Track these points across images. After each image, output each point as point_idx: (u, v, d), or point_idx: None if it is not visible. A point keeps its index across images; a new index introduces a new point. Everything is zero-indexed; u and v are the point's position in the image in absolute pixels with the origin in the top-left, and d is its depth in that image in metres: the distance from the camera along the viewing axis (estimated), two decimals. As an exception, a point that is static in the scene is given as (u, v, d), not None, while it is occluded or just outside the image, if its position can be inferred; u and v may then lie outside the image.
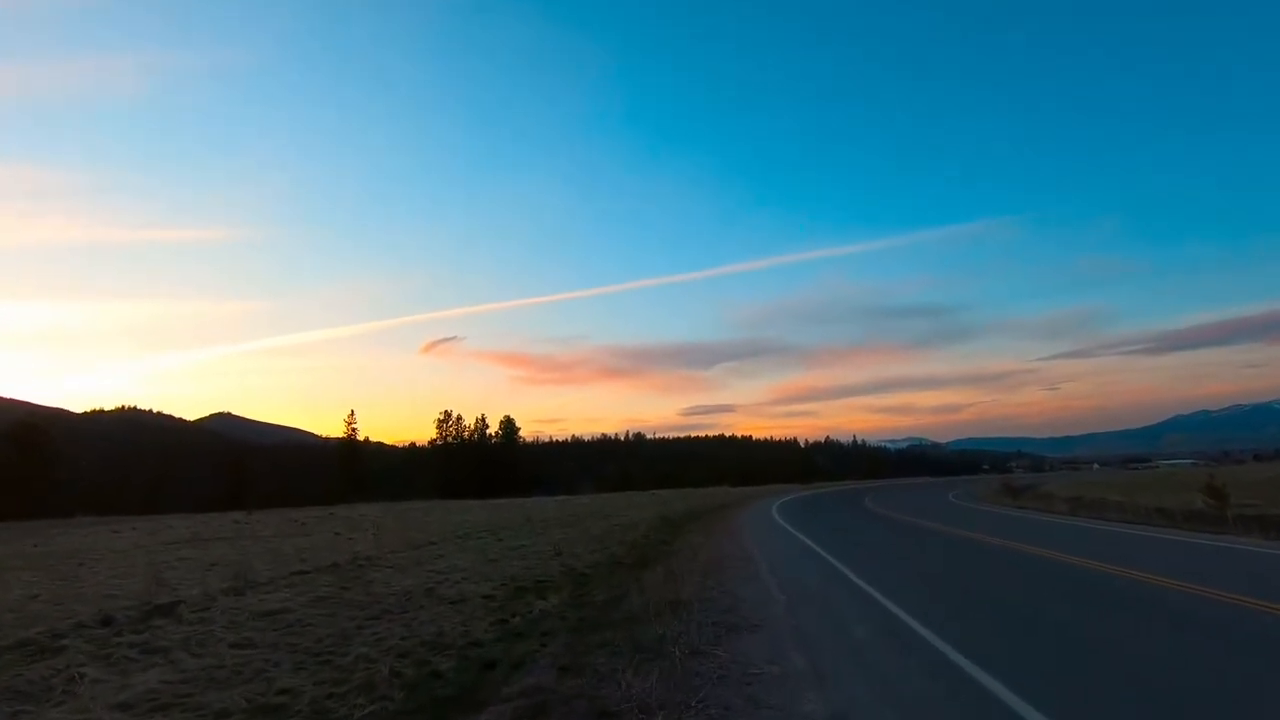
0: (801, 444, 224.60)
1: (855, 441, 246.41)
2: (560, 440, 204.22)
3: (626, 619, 6.92)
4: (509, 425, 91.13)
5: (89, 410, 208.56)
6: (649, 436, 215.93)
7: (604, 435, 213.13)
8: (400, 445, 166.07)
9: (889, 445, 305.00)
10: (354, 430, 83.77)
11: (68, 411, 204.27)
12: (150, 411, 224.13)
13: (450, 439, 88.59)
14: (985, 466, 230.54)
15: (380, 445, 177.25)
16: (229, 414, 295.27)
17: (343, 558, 15.46)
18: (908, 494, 42.72)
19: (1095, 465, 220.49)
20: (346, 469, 79.92)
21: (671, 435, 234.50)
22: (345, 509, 45.59)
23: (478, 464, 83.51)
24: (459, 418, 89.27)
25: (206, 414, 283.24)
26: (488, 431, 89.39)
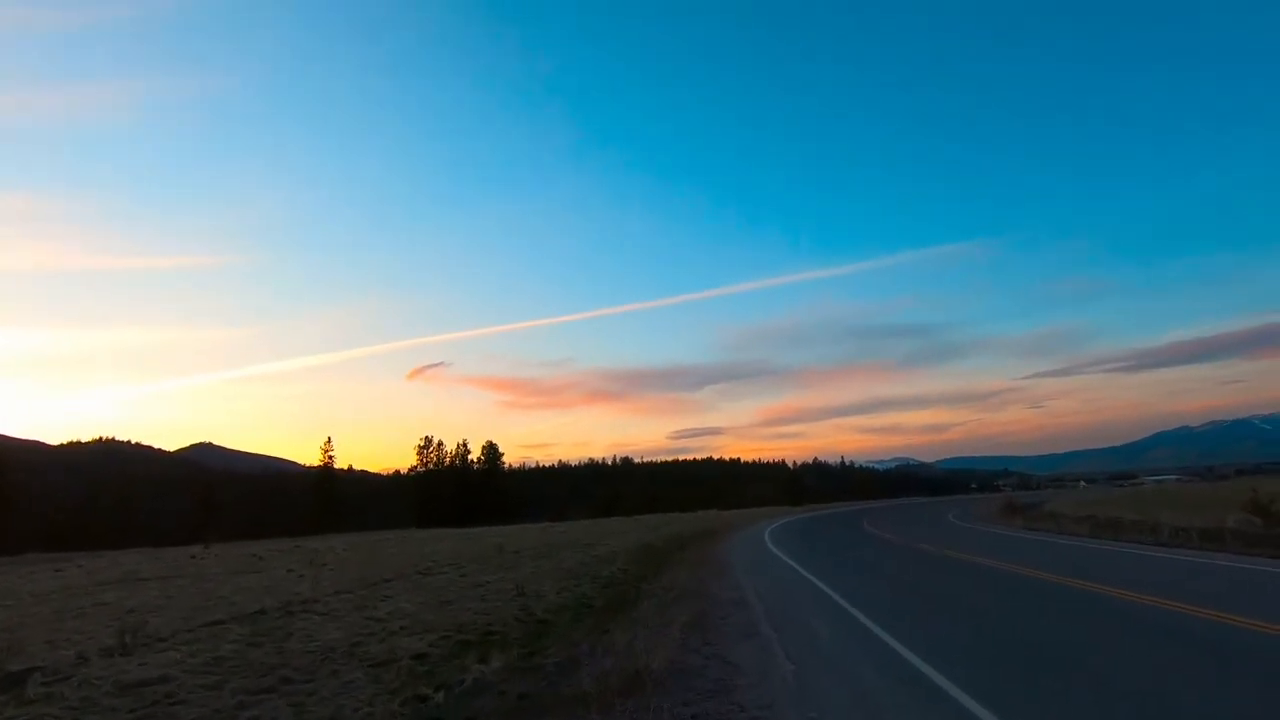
0: (790, 465, 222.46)
1: (843, 462, 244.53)
2: (548, 465, 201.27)
3: (578, 699, 5.11)
4: (492, 450, 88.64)
5: (65, 442, 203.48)
6: (637, 460, 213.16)
7: (592, 460, 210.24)
8: (385, 473, 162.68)
9: (877, 465, 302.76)
10: (330, 458, 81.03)
11: (42, 443, 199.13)
12: (128, 442, 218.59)
13: (431, 466, 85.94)
14: (973, 485, 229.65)
15: (365, 473, 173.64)
16: (210, 444, 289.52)
17: (276, 601, 13.50)
18: (905, 515, 40.94)
19: (1082, 482, 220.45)
20: (323, 498, 77.04)
21: (660, 459, 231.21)
22: (315, 540, 43.25)
23: (460, 491, 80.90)
24: (440, 443, 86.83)
25: (187, 444, 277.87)
26: (469, 457, 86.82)
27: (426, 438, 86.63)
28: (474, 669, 6.84)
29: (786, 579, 13.58)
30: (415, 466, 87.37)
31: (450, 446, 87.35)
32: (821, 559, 17.57)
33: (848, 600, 10.17)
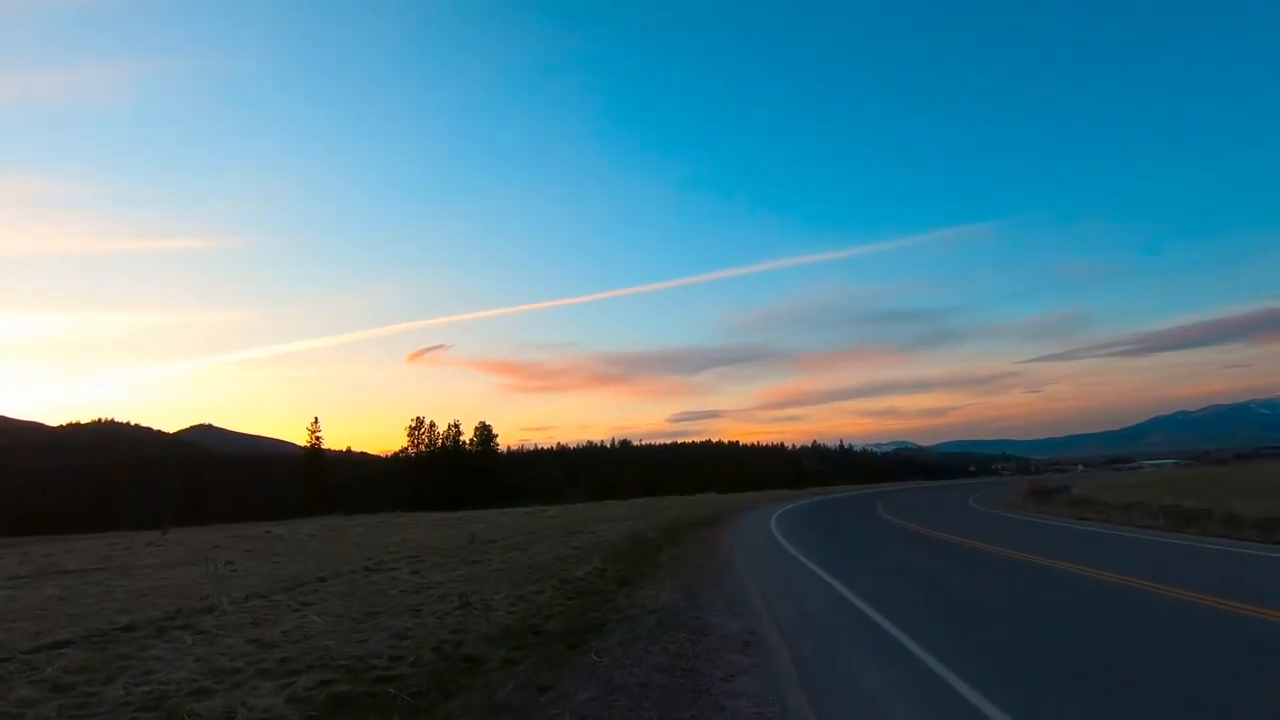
0: (789, 448, 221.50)
1: (842, 446, 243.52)
2: (547, 448, 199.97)
3: None
4: (485, 432, 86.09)
5: (65, 423, 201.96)
6: (636, 443, 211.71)
7: (591, 442, 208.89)
8: (385, 455, 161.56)
9: (875, 449, 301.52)
10: (318, 440, 78.58)
11: (43, 425, 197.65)
12: (128, 424, 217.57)
13: (423, 448, 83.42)
14: (971, 469, 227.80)
15: (364, 455, 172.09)
16: (209, 425, 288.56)
17: (162, 610, 10.78)
18: (920, 501, 38.23)
19: (1080, 466, 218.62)
20: (310, 480, 74.61)
21: (659, 441, 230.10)
22: (288, 525, 40.74)
23: (451, 474, 78.43)
24: (431, 425, 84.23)
25: (187, 425, 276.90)
26: (461, 439, 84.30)
27: (418, 419, 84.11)
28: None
29: (813, 597, 9.30)
30: (406, 448, 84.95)
31: (441, 428, 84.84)
32: (852, 564, 12.87)
33: (923, 646, 5.99)
